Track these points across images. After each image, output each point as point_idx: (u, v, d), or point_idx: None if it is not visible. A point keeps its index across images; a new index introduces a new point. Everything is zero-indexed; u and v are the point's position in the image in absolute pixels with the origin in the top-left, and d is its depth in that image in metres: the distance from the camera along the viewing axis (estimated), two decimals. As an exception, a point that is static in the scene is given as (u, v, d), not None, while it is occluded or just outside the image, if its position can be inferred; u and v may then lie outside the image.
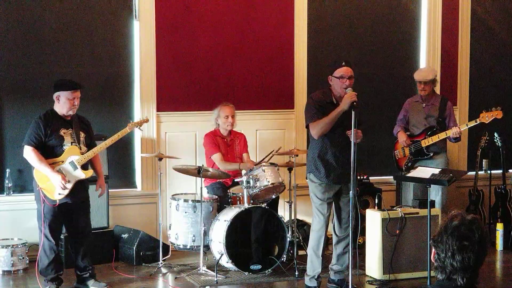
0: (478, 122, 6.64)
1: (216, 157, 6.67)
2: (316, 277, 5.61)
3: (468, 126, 6.76)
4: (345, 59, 5.68)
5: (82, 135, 5.60)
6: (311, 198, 5.63)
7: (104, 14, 6.98)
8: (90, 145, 5.66)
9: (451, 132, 6.59)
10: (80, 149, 5.54)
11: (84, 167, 5.54)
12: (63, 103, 5.49)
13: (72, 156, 5.48)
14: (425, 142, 6.80)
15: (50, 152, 5.46)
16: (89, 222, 5.78)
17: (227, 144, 6.82)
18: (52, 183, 5.40)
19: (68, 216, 5.58)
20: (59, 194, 5.41)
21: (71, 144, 5.49)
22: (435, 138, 6.74)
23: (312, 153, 5.58)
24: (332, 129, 5.40)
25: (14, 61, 6.73)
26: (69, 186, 5.43)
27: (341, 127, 5.36)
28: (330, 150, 5.48)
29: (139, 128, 6.04)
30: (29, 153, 5.43)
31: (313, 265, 5.61)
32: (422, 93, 6.91)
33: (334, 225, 5.67)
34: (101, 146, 5.68)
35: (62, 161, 5.46)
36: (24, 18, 6.72)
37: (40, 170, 5.41)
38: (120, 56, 7.07)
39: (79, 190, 5.53)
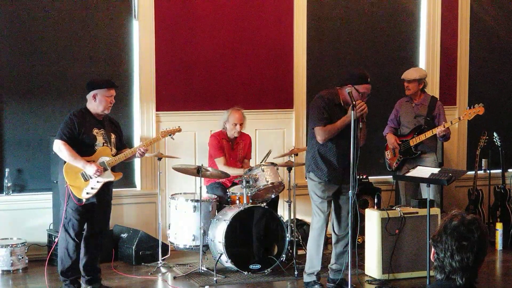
0: (462, 119, 6.69)
1: (220, 161, 6.69)
2: (315, 273, 5.62)
3: (452, 124, 6.77)
4: (368, 74, 5.68)
5: (113, 136, 5.55)
6: (310, 197, 5.64)
7: (103, 13, 6.97)
8: (119, 148, 5.61)
9: (438, 130, 6.62)
10: (111, 150, 5.51)
11: (113, 169, 5.52)
12: (100, 101, 5.43)
13: (104, 157, 5.41)
14: (413, 141, 6.82)
15: (81, 150, 5.35)
16: (108, 225, 5.80)
17: (232, 148, 6.82)
18: (81, 181, 5.32)
19: (89, 216, 5.49)
20: (87, 193, 5.35)
21: (103, 145, 5.44)
22: (422, 137, 6.75)
23: (313, 152, 5.58)
24: (339, 136, 5.44)
25: (14, 60, 6.73)
26: (98, 186, 5.38)
27: (346, 131, 5.35)
28: (333, 152, 5.49)
29: (171, 137, 5.98)
30: (60, 147, 5.32)
31: (312, 263, 5.62)
32: (407, 92, 6.97)
33: (333, 224, 5.68)
34: (133, 151, 5.59)
35: (94, 161, 5.37)
36: (23, 17, 6.71)
37: (73, 163, 5.30)
38: (119, 56, 7.07)
39: (105, 192, 5.50)
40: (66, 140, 5.33)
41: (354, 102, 5.17)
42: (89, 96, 5.48)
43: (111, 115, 6.89)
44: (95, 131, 5.43)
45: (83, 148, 5.37)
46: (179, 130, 5.98)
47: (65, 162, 5.36)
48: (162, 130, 5.98)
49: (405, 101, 7.09)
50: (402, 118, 7.04)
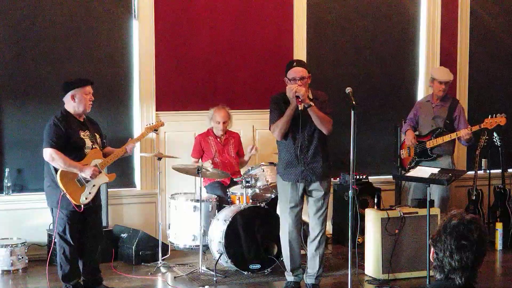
0: (482, 127, 6.66)
1: (191, 160, 6.81)
2: (293, 274, 5.63)
3: (472, 131, 6.73)
4: (298, 59, 5.63)
5: (97, 137, 5.49)
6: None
7: (103, 14, 6.98)
8: (103, 147, 5.58)
9: (462, 133, 6.57)
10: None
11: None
12: (80, 101, 5.34)
13: (96, 160, 5.36)
14: (430, 144, 6.79)
15: (71, 155, 5.26)
16: (102, 225, 5.80)
17: (222, 143, 6.84)
18: (77, 187, 5.24)
19: (86, 219, 5.42)
20: (86, 198, 5.29)
21: (92, 147, 5.38)
22: (439, 140, 6.73)
23: (279, 154, 5.60)
24: (291, 130, 5.38)
25: (14, 61, 6.73)
26: (95, 189, 5.35)
27: (298, 126, 5.34)
28: (291, 150, 5.44)
29: (156, 132, 6.04)
30: (53, 156, 5.20)
31: (286, 264, 5.65)
32: (441, 93, 6.88)
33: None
34: (122, 149, 5.57)
35: (87, 164, 5.30)
36: (23, 18, 6.71)
37: (69, 169, 5.20)
38: (119, 56, 7.07)
39: (98, 193, 5.47)
40: (56, 147, 5.21)
41: (353, 103, 5.12)
42: (67, 97, 5.38)
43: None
44: (81, 133, 5.36)
45: (74, 152, 5.28)
46: (162, 124, 6.11)
47: (56, 170, 5.24)
48: (146, 125, 6.01)
49: (425, 100, 7.07)
50: (420, 118, 7.01)
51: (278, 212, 5.97)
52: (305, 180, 5.44)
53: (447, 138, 6.71)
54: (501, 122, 6.57)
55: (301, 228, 5.71)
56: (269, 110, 5.57)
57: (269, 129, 5.56)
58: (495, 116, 6.60)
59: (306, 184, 5.48)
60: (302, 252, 6.40)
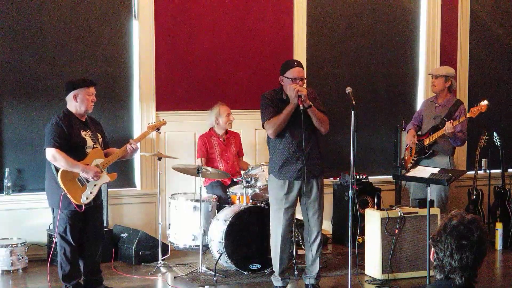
0: (468, 117, 6.62)
1: (199, 162, 6.77)
2: (280, 279, 5.61)
3: (460, 122, 6.71)
4: (297, 60, 5.65)
5: (99, 136, 5.50)
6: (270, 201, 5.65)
7: (103, 13, 6.98)
8: (105, 147, 5.58)
9: (446, 127, 6.51)
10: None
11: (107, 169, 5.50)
12: (82, 101, 5.35)
13: (97, 159, 5.36)
14: (426, 140, 6.80)
15: (73, 155, 5.26)
16: (103, 225, 5.79)
17: (224, 143, 6.85)
18: (78, 187, 5.24)
19: (87, 218, 5.41)
20: (87, 198, 5.29)
21: (93, 147, 5.38)
22: (434, 136, 6.73)
23: (272, 153, 5.56)
24: (288, 127, 5.37)
25: (14, 61, 6.73)
26: (96, 189, 5.35)
27: (296, 124, 5.33)
28: (289, 147, 5.43)
29: (158, 131, 6.04)
30: (55, 155, 5.20)
31: (275, 267, 5.63)
32: (432, 88, 6.90)
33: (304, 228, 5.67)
34: (123, 149, 5.56)
35: (87, 164, 5.30)
36: (23, 17, 6.71)
37: (72, 169, 5.20)
38: (119, 56, 7.07)
39: (99, 193, 5.47)
40: (58, 147, 5.22)
41: (353, 102, 5.12)
42: (69, 97, 5.39)
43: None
44: (83, 133, 5.37)
45: (75, 152, 5.28)
46: (164, 123, 6.08)
47: (57, 169, 5.24)
48: (149, 124, 6.01)
49: (430, 100, 7.07)
50: (424, 118, 7.01)
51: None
52: (303, 177, 5.43)
53: (440, 132, 6.67)
54: (482, 109, 6.50)
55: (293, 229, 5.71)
56: (260, 107, 5.54)
57: (262, 127, 5.54)
58: (478, 104, 6.55)
59: (302, 182, 5.46)
60: (301, 251, 6.44)
